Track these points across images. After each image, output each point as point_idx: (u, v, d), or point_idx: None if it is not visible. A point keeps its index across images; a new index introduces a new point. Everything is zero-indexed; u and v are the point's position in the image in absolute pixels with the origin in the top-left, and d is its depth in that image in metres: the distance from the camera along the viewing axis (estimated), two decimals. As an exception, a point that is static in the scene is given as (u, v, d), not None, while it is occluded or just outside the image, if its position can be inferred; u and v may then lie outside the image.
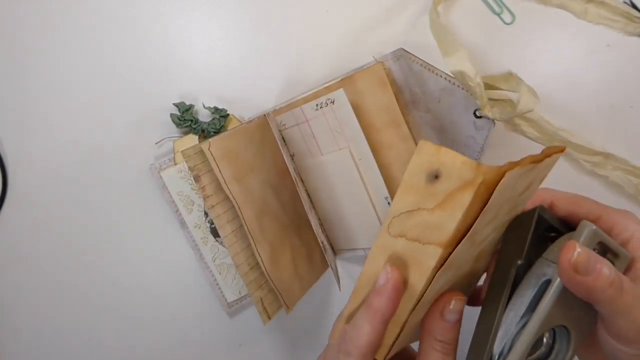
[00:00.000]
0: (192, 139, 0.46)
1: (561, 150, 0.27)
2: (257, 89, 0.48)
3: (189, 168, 0.38)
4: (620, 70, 0.47)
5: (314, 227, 0.43)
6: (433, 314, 0.29)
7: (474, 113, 0.40)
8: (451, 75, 0.39)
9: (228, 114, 0.47)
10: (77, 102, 0.47)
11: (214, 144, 0.38)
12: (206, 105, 0.47)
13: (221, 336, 0.50)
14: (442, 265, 0.27)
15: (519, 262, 0.27)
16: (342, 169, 0.44)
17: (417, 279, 0.27)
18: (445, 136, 0.43)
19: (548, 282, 0.26)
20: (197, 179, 0.39)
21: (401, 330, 0.29)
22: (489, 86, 0.40)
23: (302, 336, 0.51)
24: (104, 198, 0.48)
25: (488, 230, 0.28)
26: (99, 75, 0.47)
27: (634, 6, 0.46)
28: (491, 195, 0.25)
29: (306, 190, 0.47)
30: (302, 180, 0.47)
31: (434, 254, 0.26)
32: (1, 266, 0.48)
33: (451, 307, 0.29)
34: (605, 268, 0.25)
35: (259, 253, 0.40)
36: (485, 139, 0.40)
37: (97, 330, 0.49)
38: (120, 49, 0.47)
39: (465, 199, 0.24)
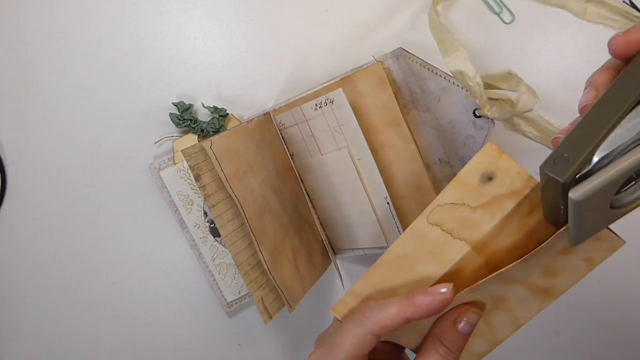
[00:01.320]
0: (192, 139, 0.46)
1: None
2: (256, 89, 0.48)
3: (189, 167, 0.38)
4: (620, 70, 0.47)
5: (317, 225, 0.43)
6: (446, 320, 0.29)
7: (474, 112, 0.40)
8: (451, 74, 0.39)
9: (227, 114, 0.47)
10: (76, 102, 0.47)
11: (216, 142, 0.38)
12: (205, 105, 0.47)
13: (220, 336, 0.50)
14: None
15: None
16: (342, 169, 0.44)
17: (433, 270, 0.28)
18: (445, 136, 0.43)
19: None
20: (197, 178, 0.39)
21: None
22: (488, 85, 0.40)
23: (301, 336, 0.51)
24: (103, 198, 0.48)
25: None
26: (98, 74, 0.47)
27: (633, 6, 0.46)
28: (532, 213, 0.25)
29: (306, 190, 0.47)
30: (301, 180, 0.47)
31: (460, 250, 0.27)
32: (1, 266, 0.48)
33: (466, 317, 0.28)
34: None
35: (260, 252, 0.40)
36: (485, 138, 0.40)
37: (96, 329, 0.49)
38: (119, 49, 0.47)
39: (509, 205, 0.26)
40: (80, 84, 0.47)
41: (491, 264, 0.29)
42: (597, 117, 0.23)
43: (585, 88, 0.27)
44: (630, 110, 0.22)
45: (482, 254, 0.28)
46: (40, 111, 0.47)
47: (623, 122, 0.22)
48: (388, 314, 0.28)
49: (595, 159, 0.22)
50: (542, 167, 0.23)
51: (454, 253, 0.28)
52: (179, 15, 0.48)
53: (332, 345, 0.29)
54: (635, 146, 0.22)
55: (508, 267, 0.27)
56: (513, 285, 0.29)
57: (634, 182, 0.24)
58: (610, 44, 0.26)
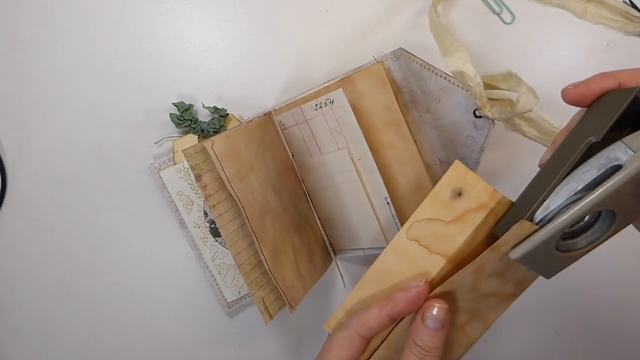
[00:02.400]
0: (192, 139, 0.46)
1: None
2: (256, 89, 0.48)
3: (190, 167, 0.38)
4: (620, 70, 0.47)
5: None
6: (416, 319, 0.30)
7: (474, 113, 0.40)
8: (451, 75, 0.39)
9: (227, 114, 0.47)
10: (76, 102, 0.47)
11: (217, 142, 0.38)
12: (206, 105, 0.47)
13: (221, 336, 0.50)
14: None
15: (595, 139, 0.26)
16: (342, 169, 0.44)
17: (414, 281, 0.30)
18: (445, 136, 0.43)
19: (617, 168, 0.25)
20: (198, 178, 0.39)
21: (386, 336, 0.31)
22: (488, 86, 0.40)
23: (302, 336, 0.51)
24: (104, 198, 0.48)
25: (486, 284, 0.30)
26: (98, 74, 0.47)
27: (633, 6, 0.46)
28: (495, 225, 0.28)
29: (306, 190, 0.47)
30: (302, 180, 0.47)
31: (437, 264, 0.29)
32: (1, 266, 0.48)
33: (431, 313, 0.29)
34: None
35: (261, 252, 0.40)
36: (485, 138, 0.40)
37: (96, 329, 0.49)
38: (120, 49, 0.47)
39: (478, 218, 0.28)
40: (80, 84, 0.47)
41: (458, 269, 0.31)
42: (539, 183, 0.28)
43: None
44: (566, 176, 0.26)
45: (454, 265, 0.30)
46: (40, 111, 0.47)
47: (557, 189, 0.26)
48: (371, 314, 0.30)
49: (537, 219, 0.27)
50: (495, 231, 0.29)
51: (432, 267, 0.29)
52: (180, 15, 0.48)
53: (322, 352, 0.31)
54: (567, 207, 0.26)
55: (459, 272, 0.29)
56: (487, 298, 0.31)
57: (587, 227, 0.28)
58: (563, 91, 0.29)
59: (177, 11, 0.48)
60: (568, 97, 0.29)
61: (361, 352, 0.31)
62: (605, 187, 0.24)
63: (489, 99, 0.39)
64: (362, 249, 0.46)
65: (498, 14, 0.48)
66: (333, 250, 0.49)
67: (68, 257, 0.48)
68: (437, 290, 0.30)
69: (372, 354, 0.32)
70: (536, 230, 0.26)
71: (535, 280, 0.32)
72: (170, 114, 0.46)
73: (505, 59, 0.48)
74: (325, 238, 0.47)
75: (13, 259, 0.48)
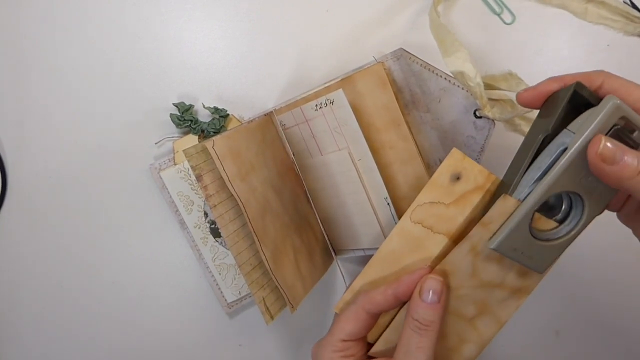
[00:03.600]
0: (192, 139, 0.46)
1: None
2: (257, 89, 0.48)
3: (191, 167, 0.38)
4: (620, 70, 0.47)
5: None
6: (413, 296, 0.31)
7: (474, 113, 0.40)
8: (451, 75, 0.39)
9: (228, 114, 0.47)
10: (76, 102, 0.47)
11: (218, 142, 0.38)
12: (206, 105, 0.47)
13: (221, 336, 0.50)
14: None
15: (543, 135, 0.29)
16: (342, 170, 0.44)
17: (419, 263, 0.32)
18: (446, 136, 0.43)
19: (565, 150, 0.28)
20: (199, 178, 0.39)
21: (392, 318, 0.33)
22: (488, 86, 0.40)
23: (302, 337, 0.51)
24: (104, 198, 0.48)
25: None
26: (98, 75, 0.47)
27: (633, 6, 0.46)
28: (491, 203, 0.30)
29: (306, 190, 0.47)
30: (302, 180, 0.47)
31: (440, 243, 0.32)
32: (1, 266, 0.48)
33: (427, 286, 0.30)
34: (629, 157, 0.26)
35: (262, 252, 0.40)
36: (486, 139, 0.40)
37: (96, 329, 0.49)
38: (120, 49, 0.47)
39: (475, 198, 0.31)
40: (80, 84, 0.47)
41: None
42: (507, 179, 0.31)
43: None
44: (524, 173, 0.29)
45: (456, 243, 0.32)
46: (40, 111, 0.47)
47: (522, 181, 0.29)
48: (378, 291, 0.32)
49: None
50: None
51: (435, 246, 0.32)
52: (180, 15, 0.48)
53: (330, 328, 0.33)
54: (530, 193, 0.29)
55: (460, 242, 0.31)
56: (493, 289, 0.32)
57: (565, 216, 0.30)
58: (516, 96, 0.32)
59: (177, 11, 0.48)
60: (521, 100, 0.31)
61: (367, 326, 0.32)
62: (553, 170, 0.28)
63: (490, 99, 0.39)
64: (363, 249, 0.46)
65: (498, 14, 0.48)
66: (334, 250, 0.49)
67: (68, 257, 0.48)
68: (437, 268, 0.31)
69: (380, 334, 0.33)
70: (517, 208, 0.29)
71: (544, 278, 0.32)
72: (171, 114, 0.46)
73: (505, 59, 0.48)
74: (326, 238, 0.47)
75: (13, 259, 0.48)
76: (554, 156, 0.28)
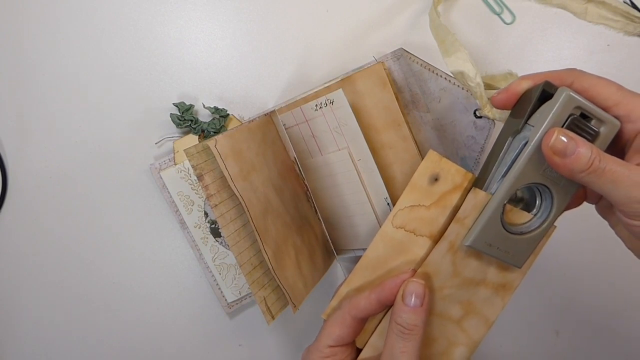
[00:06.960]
0: (192, 139, 0.46)
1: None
2: (257, 89, 0.48)
3: (192, 167, 0.38)
4: (620, 70, 0.47)
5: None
6: (396, 298, 0.31)
7: (474, 113, 0.40)
8: (451, 75, 0.39)
9: (228, 114, 0.47)
10: (77, 102, 0.47)
11: (220, 141, 0.38)
12: (206, 105, 0.47)
13: (221, 336, 0.50)
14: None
15: (513, 136, 0.30)
16: (342, 170, 0.44)
17: (404, 266, 0.32)
18: (445, 136, 0.43)
19: (526, 144, 0.29)
20: (200, 177, 0.39)
21: (379, 322, 0.33)
22: (488, 86, 0.40)
23: (302, 336, 0.51)
24: (104, 198, 0.48)
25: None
26: (98, 75, 0.47)
27: (634, 6, 0.46)
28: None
29: (306, 190, 0.47)
30: (303, 180, 0.47)
31: (423, 245, 0.32)
32: (1, 266, 0.48)
33: (409, 290, 0.30)
34: (583, 149, 0.26)
35: (265, 251, 0.40)
36: (486, 139, 0.40)
37: (97, 329, 0.49)
38: (120, 49, 0.47)
39: (454, 198, 0.31)
40: (80, 84, 0.47)
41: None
42: (482, 176, 0.31)
43: None
44: (496, 170, 0.30)
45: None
46: (40, 111, 0.47)
47: (494, 177, 0.30)
48: (362, 296, 0.32)
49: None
50: None
51: (419, 249, 0.32)
52: (180, 15, 0.48)
53: (318, 334, 0.33)
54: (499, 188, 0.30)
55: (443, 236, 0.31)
56: (477, 287, 0.32)
57: (538, 209, 0.31)
58: (491, 99, 0.32)
59: (177, 11, 0.48)
60: (495, 103, 0.32)
61: (354, 331, 0.32)
62: (516, 163, 0.29)
63: (490, 99, 0.39)
64: (363, 249, 0.46)
65: (498, 14, 0.48)
66: (334, 250, 0.49)
67: (68, 257, 0.48)
68: (419, 271, 0.31)
69: (367, 340, 0.33)
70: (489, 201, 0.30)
71: (525, 275, 0.33)
72: (171, 114, 0.46)
73: (505, 59, 0.48)
74: (327, 237, 0.47)
75: (13, 259, 0.48)
76: (516, 151, 0.29)
